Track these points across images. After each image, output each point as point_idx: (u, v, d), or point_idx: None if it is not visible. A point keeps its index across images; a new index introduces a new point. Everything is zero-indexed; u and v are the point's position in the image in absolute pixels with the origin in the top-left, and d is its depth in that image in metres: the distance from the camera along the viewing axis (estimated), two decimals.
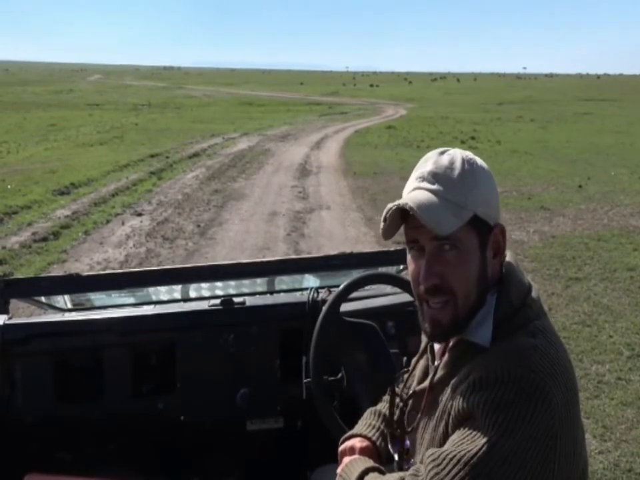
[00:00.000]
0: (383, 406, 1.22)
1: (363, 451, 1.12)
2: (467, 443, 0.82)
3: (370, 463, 1.06)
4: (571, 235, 6.66)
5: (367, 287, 1.87)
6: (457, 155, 0.96)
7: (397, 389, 1.13)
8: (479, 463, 0.80)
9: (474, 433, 0.83)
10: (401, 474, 0.94)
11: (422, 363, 1.10)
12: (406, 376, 1.16)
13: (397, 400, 1.11)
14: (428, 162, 0.96)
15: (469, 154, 0.98)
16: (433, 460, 0.84)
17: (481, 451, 0.80)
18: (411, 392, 1.07)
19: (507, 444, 0.80)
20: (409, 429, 1.05)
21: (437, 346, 1.04)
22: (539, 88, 57.88)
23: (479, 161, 0.98)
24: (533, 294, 0.96)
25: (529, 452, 0.80)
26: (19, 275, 4.82)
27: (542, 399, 0.82)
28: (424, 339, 1.10)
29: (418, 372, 1.10)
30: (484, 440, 0.81)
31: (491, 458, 0.80)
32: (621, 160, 12.50)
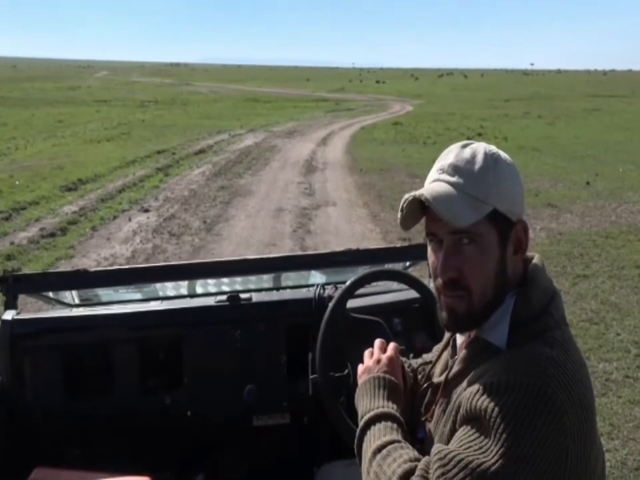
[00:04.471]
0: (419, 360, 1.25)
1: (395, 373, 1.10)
2: (474, 448, 0.81)
3: (393, 435, 0.96)
4: (579, 232, 6.62)
5: (373, 284, 1.86)
6: (479, 148, 0.95)
7: (419, 378, 1.13)
8: (486, 472, 0.78)
9: (481, 438, 0.81)
10: (418, 463, 0.88)
11: (445, 355, 1.09)
12: (429, 367, 1.15)
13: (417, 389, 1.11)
14: (450, 154, 0.95)
15: (493, 148, 0.96)
16: (440, 459, 0.83)
17: (489, 461, 0.78)
18: (428, 383, 1.07)
19: (515, 455, 0.78)
20: (423, 418, 1.05)
21: (459, 340, 1.02)
22: (546, 84, 57.47)
23: (504, 155, 0.96)
24: (557, 302, 0.93)
25: (536, 466, 0.78)
26: (27, 271, 4.85)
27: (553, 412, 0.79)
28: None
29: (440, 363, 1.09)
30: (492, 448, 0.79)
31: (499, 469, 0.78)
32: (629, 156, 12.40)
